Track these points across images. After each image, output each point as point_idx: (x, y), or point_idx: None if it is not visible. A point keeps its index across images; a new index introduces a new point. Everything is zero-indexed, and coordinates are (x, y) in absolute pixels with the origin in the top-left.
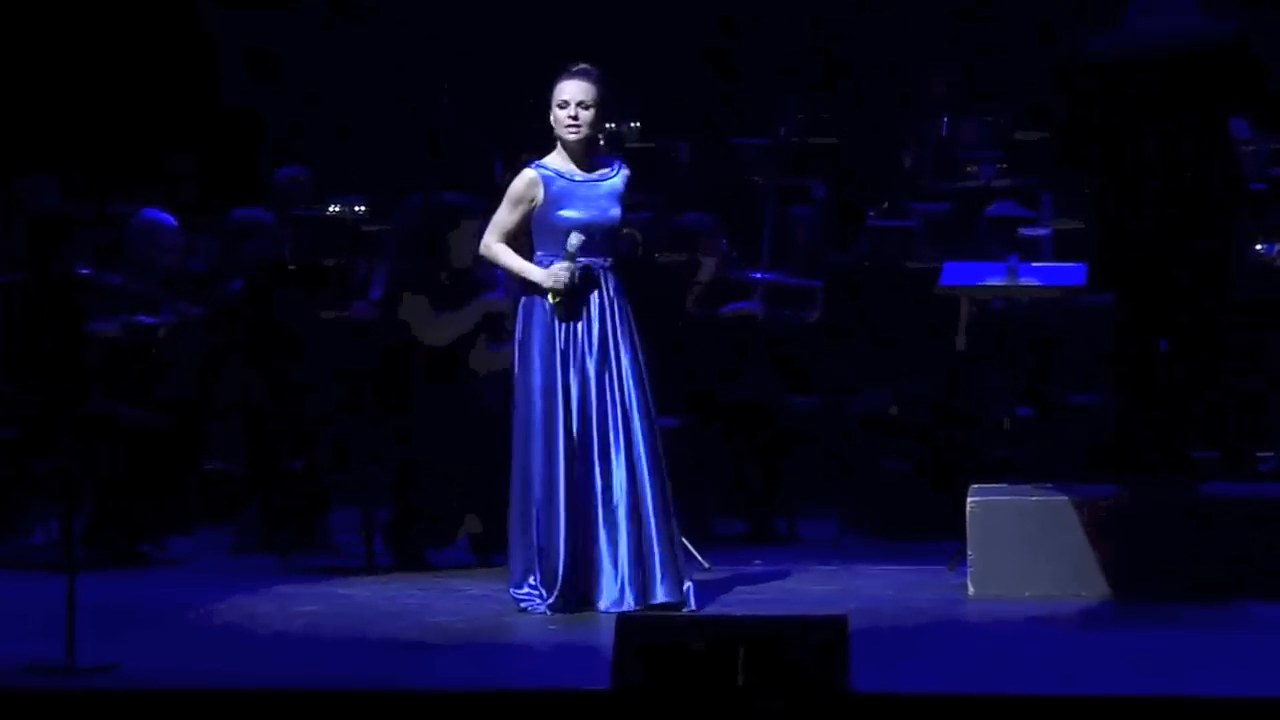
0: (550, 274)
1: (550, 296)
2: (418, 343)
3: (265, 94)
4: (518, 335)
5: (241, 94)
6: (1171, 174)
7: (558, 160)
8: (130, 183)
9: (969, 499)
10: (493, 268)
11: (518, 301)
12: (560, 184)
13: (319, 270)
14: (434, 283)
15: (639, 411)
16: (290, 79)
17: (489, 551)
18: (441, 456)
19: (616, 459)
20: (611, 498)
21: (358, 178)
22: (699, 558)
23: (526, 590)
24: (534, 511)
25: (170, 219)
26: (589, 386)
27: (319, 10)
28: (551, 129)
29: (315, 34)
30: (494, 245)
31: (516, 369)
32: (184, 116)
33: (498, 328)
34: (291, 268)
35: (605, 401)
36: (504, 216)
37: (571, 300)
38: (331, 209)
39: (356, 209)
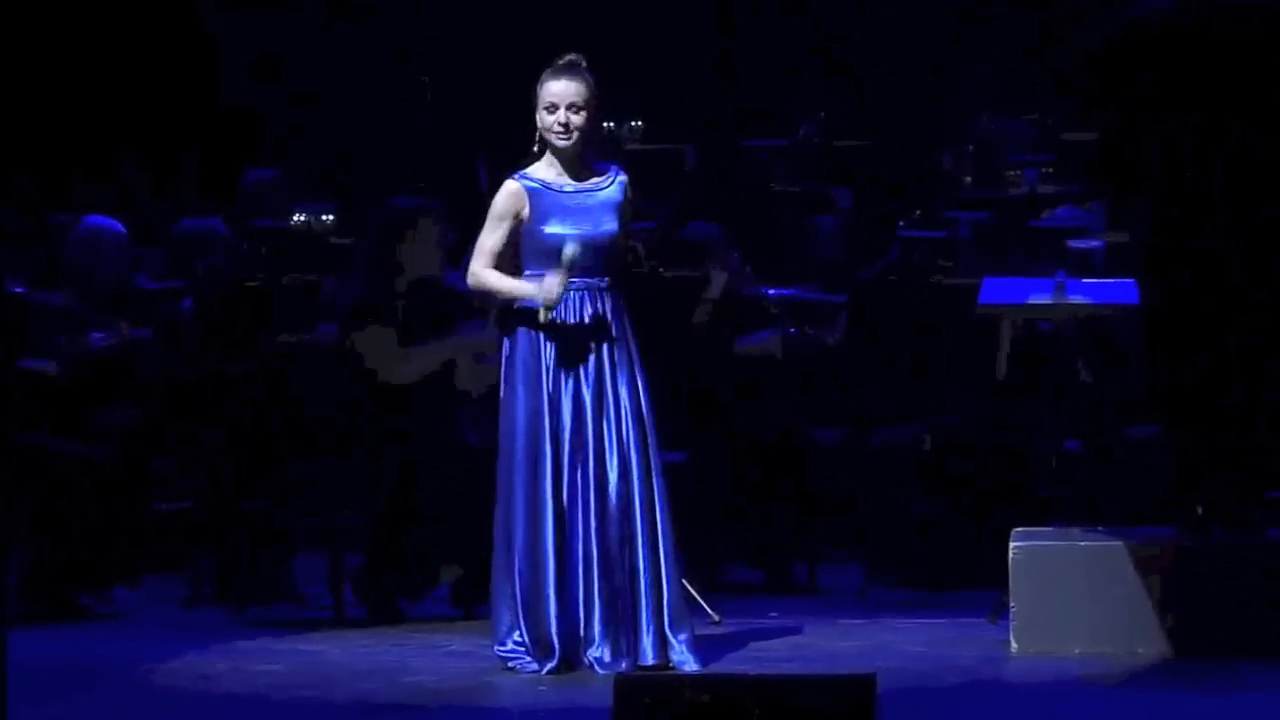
0: (544, 287)
1: (542, 312)
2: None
3: (265, 94)
4: (503, 360)
5: (241, 94)
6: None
7: (545, 170)
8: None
9: (1012, 544)
10: (482, 298)
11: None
12: (548, 196)
13: (280, 288)
14: (397, 307)
15: (637, 446)
16: (290, 79)
17: (472, 602)
18: (418, 496)
19: (611, 499)
20: (605, 542)
21: (330, 183)
22: (707, 609)
23: (512, 646)
24: (517, 559)
25: (118, 226)
26: (583, 418)
27: (319, 10)
28: (536, 133)
29: (315, 34)
30: (480, 272)
31: (501, 398)
32: (183, 117)
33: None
34: (249, 285)
35: (600, 435)
36: (488, 238)
37: (567, 332)
38: (296, 218)
39: (324, 218)
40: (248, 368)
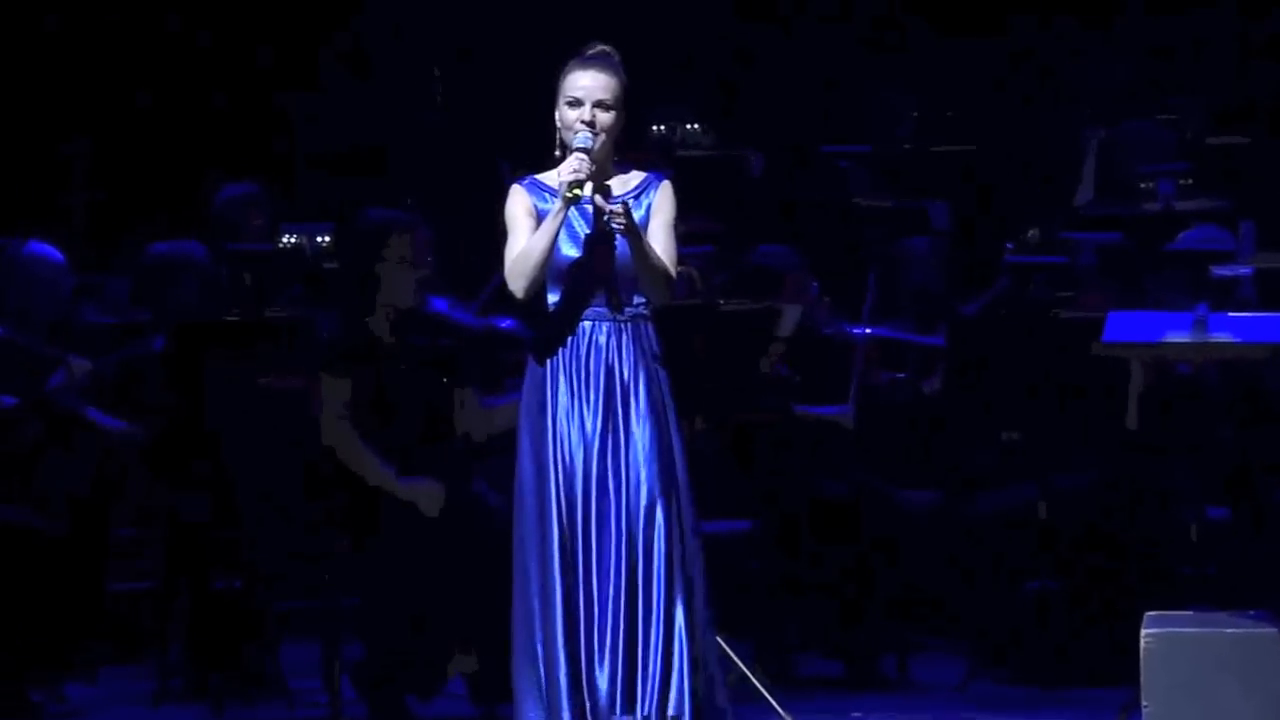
0: (566, 175)
1: (567, 191)
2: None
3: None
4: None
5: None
6: None
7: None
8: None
9: (1144, 631)
10: (532, 282)
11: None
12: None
13: (264, 323)
14: (360, 351)
15: (649, 508)
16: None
17: (491, 698)
18: (425, 572)
19: (612, 574)
20: (612, 622)
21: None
22: (778, 709)
23: None
24: (539, 643)
25: (55, 254)
26: (588, 474)
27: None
28: (557, 133)
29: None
30: (512, 261)
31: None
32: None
33: (489, 376)
34: (230, 320)
35: (604, 493)
36: (515, 244)
37: (574, 372)
38: (286, 240)
39: (319, 240)
40: (223, 419)
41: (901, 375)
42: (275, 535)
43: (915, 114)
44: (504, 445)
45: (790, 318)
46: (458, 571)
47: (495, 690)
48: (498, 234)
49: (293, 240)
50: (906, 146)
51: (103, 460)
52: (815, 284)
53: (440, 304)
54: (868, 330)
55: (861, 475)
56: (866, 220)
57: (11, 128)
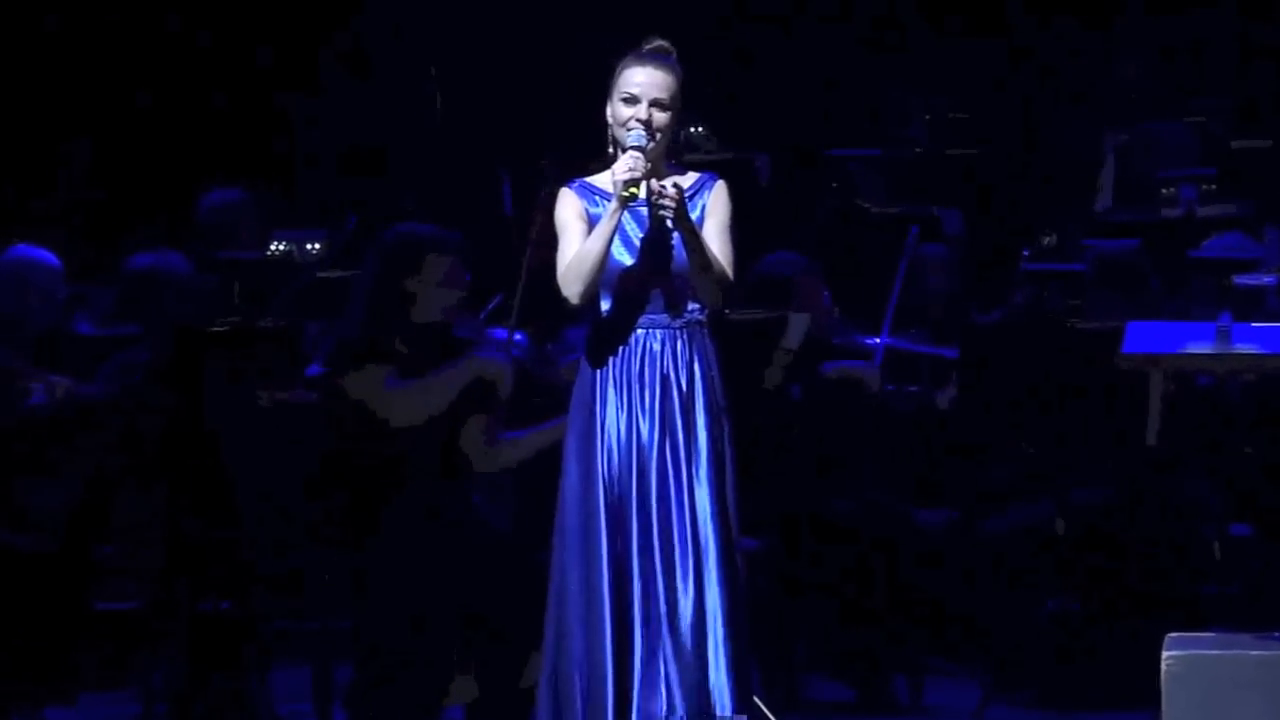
0: (621, 174)
1: (623, 190)
2: (385, 436)
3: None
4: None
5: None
6: None
7: (609, 181)
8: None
9: (1165, 653)
10: (586, 288)
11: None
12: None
13: (255, 333)
14: (391, 349)
15: (715, 530)
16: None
17: None
18: (423, 594)
19: (683, 593)
20: (679, 647)
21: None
22: None
23: None
24: (575, 673)
25: (51, 259)
26: (646, 487)
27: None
28: (608, 130)
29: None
30: (565, 267)
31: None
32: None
33: (496, 404)
34: (217, 330)
35: (666, 506)
36: (567, 247)
37: (625, 379)
38: (276, 247)
39: (309, 247)
40: (212, 433)
41: (913, 388)
42: (274, 537)
43: (927, 116)
44: None
45: (797, 328)
46: (454, 587)
47: (493, 717)
48: (499, 240)
49: (282, 247)
50: (918, 150)
51: (94, 475)
52: (827, 292)
53: (467, 326)
54: (882, 340)
55: (873, 492)
56: (877, 226)
57: (11, 128)
